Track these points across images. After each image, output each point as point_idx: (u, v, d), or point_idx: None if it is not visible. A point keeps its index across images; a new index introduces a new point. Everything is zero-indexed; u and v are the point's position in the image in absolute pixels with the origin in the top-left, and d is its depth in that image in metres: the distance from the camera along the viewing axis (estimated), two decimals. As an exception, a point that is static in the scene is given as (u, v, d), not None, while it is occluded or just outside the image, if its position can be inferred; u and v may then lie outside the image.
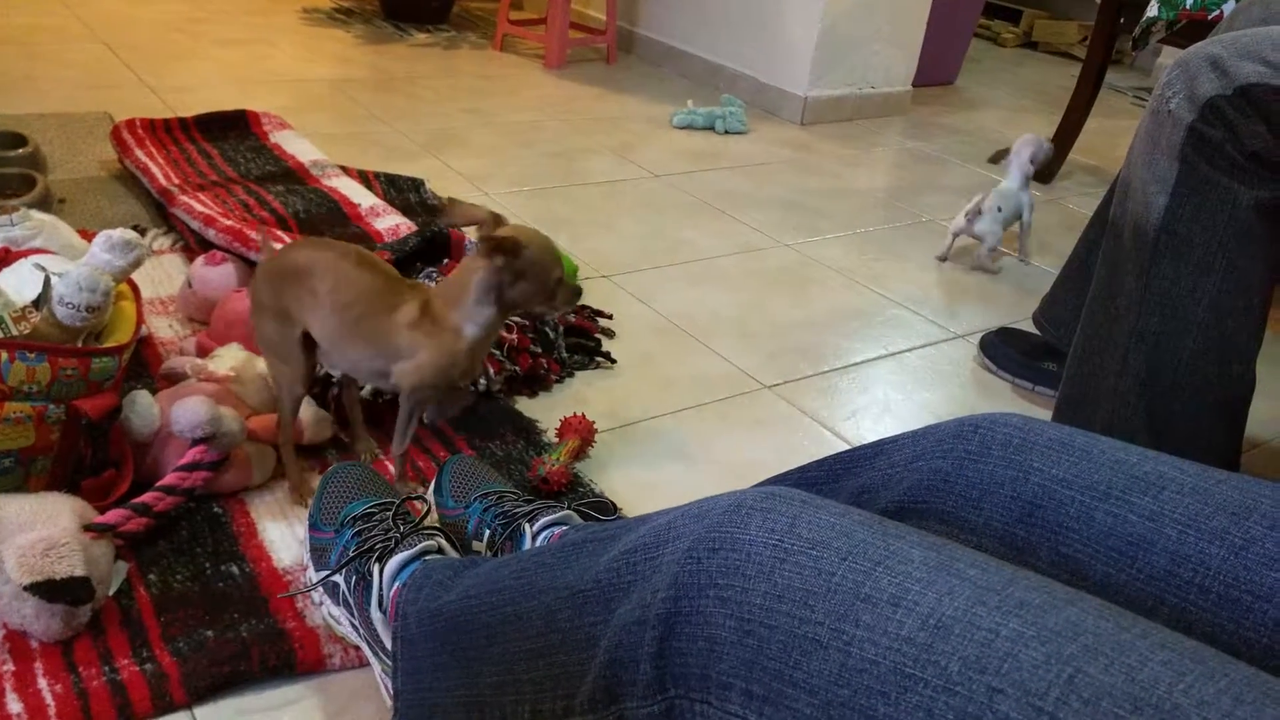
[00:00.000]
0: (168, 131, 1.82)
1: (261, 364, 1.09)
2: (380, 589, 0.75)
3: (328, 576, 0.81)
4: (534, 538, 0.83)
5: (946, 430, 0.59)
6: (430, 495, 0.97)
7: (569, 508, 0.88)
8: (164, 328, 1.28)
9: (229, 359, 1.09)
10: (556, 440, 1.13)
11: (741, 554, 0.45)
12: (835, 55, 2.60)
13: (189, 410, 0.92)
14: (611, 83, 2.79)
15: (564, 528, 0.84)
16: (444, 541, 0.80)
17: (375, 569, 0.76)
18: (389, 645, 0.73)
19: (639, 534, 0.53)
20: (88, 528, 0.84)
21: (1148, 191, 1.01)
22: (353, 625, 0.79)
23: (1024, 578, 0.41)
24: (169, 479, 0.91)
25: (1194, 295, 1.01)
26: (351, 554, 0.79)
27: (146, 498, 0.89)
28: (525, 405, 1.23)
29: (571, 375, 1.32)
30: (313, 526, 0.87)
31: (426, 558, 0.76)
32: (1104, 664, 0.36)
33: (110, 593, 0.84)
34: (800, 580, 0.43)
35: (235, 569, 0.89)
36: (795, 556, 0.44)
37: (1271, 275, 1.02)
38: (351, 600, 0.78)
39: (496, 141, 2.20)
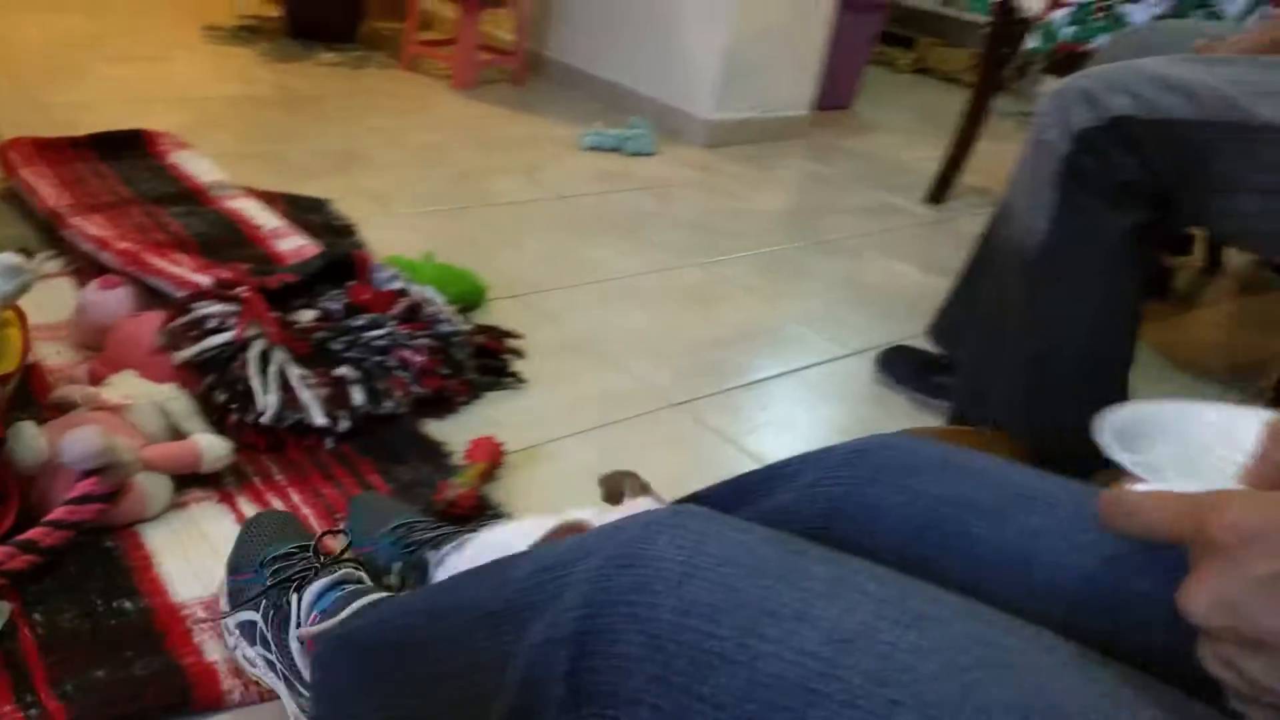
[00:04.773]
0: (58, 151, 1.76)
1: (157, 391, 1.07)
2: (298, 617, 0.74)
3: (242, 605, 0.80)
4: (436, 565, 0.83)
5: (839, 456, 0.60)
6: (345, 531, 0.97)
7: (473, 531, 0.88)
8: (53, 355, 1.23)
9: (123, 386, 1.06)
10: (465, 463, 1.13)
11: (650, 570, 0.45)
12: (738, 79, 2.66)
13: (80, 440, 0.89)
14: (520, 104, 2.80)
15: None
16: (363, 573, 0.79)
17: (293, 598, 0.75)
18: (307, 676, 0.72)
19: (551, 552, 0.53)
20: (-32, 566, 0.80)
21: (1029, 217, 1.07)
22: (268, 663, 0.78)
23: (921, 590, 0.43)
24: (58, 513, 0.88)
25: (1073, 316, 1.07)
26: (267, 585, 0.78)
27: (33, 533, 0.86)
28: (433, 427, 1.22)
29: (480, 396, 1.32)
30: (233, 571, 0.86)
31: (344, 586, 0.76)
32: (996, 674, 0.38)
33: (-7, 633, 0.80)
34: (707, 595, 0.43)
35: (128, 604, 0.86)
36: (703, 573, 0.44)
37: (1142, 295, 1.08)
38: (269, 634, 0.77)
39: (404, 161, 2.18)
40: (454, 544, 0.85)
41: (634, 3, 2.77)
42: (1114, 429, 0.51)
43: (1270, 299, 2.21)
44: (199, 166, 1.82)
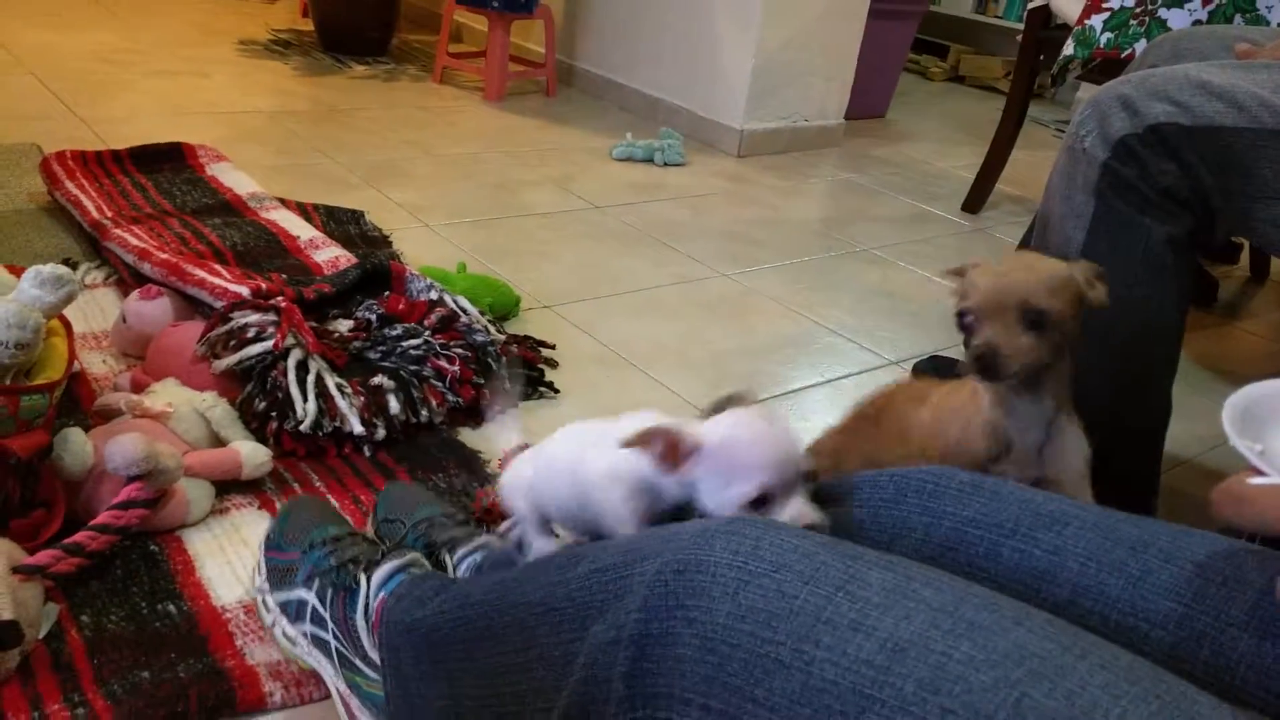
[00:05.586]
0: (100, 164, 1.79)
1: (198, 399, 1.08)
2: (367, 597, 0.76)
3: (291, 585, 0.81)
4: (455, 568, 0.85)
5: (865, 479, 0.62)
6: (370, 523, 0.98)
7: (488, 532, 0.90)
8: (97, 363, 1.25)
9: (165, 394, 1.08)
10: (501, 471, 1.14)
11: (707, 575, 0.47)
12: (770, 89, 2.67)
13: (124, 447, 0.90)
14: (551, 115, 2.81)
15: (486, 552, 0.86)
16: (425, 559, 0.81)
17: (363, 577, 0.77)
18: (370, 654, 0.74)
19: (608, 551, 0.55)
20: (16, 570, 0.82)
21: (1066, 226, 1.05)
22: (316, 640, 0.79)
23: (975, 596, 0.43)
24: (103, 517, 0.89)
25: (1113, 327, 1.05)
26: (332, 567, 0.79)
27: (79, 537, 0.87)
28: (468, 436, 1.23)
29: (515, 406, 1.32)
30: (274, 548, 0.87)
31: (410, 569, 0.77)
32: (1048, 688, 0.38)
33: (40, 636, 0.82)
34: (763, 602, 0.44)
35: (172, 608, 0.87)
36: (759, 579, 0.45)
37: (1184, 305, 1.06)
38: (328, 613, 0.78)
39: (437, 173, 2.20)
40: (469, 547, 0.87)
41: (664, 13, 2.78)
42: (1238, 411, 0.48)
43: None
44: (236, 179, 1.85)
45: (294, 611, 0.81)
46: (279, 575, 0.85)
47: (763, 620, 0.44)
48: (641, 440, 0.64)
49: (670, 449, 0.63)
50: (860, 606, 0.43)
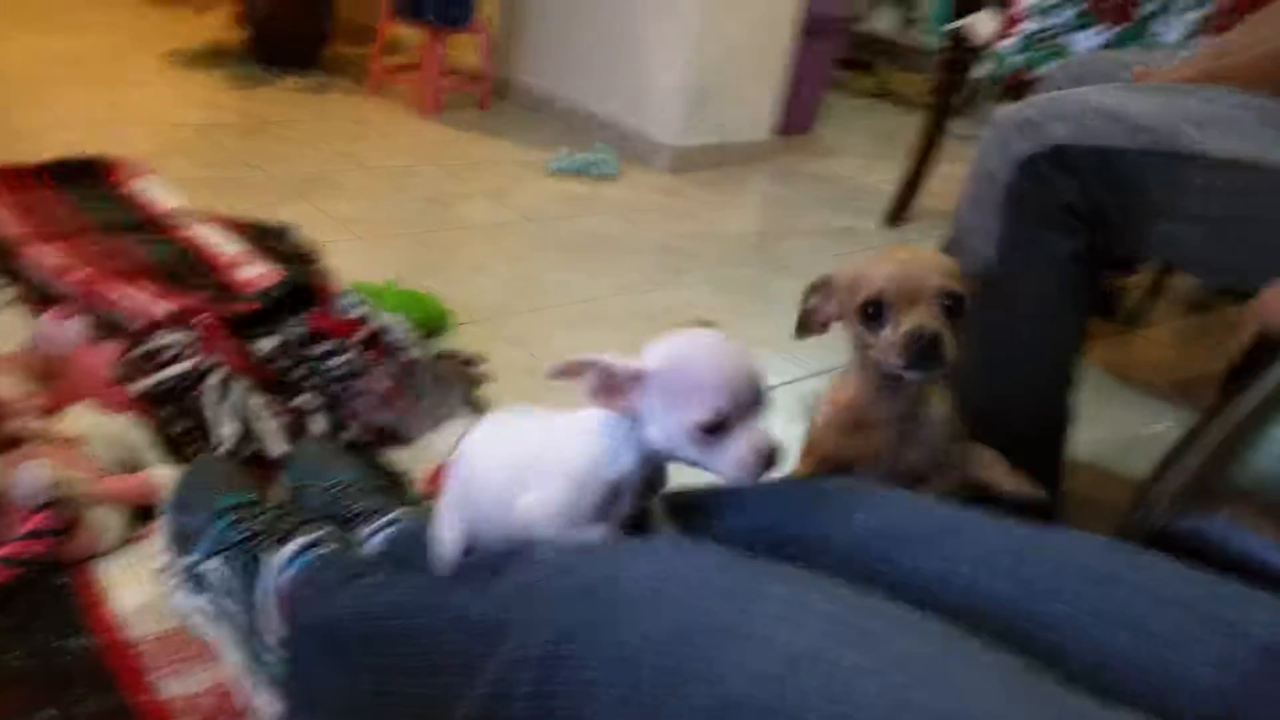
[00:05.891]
0: (17, 178, 1.74)
1: (113, 423, 1.06)
2: (272, 575, 0.75)
3: (200, 554, 0.80)
4: (365, 542, 0.84)
5: (775, 487, 0.63)
6: (281, 487, 0.98)
7: (403, 503, 0.89)
8: (5, 387, 1.22)
9: (78, 418, 1.06)
10: (426, 490, 1.13)
11: (621, 594, 0.47)
12: (702, 105, 2.70)
13: (31, 474, 0.88)
14: (486, 128, 2.81)
15: (399, 525, 0.85)
16: (337, 536, 0.80)
17: (268, 554, 0.76)
18: (272, 632, 0.73)
19: (524, 570, 0.55)
20: (-84, 604, 0.80)
21: (975, 243, 1.09)
22: (219, 613, 0.77)
23: (872, 607, 0.45)
24: (7, 549, 0.87)
25: (1019, 340, 1.09)
26: (237, 539, 0.78)
27: (-17, 569, 0.85)
28: (394, 456, 1.22)
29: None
30: (179, 509, 0.85)
31: (319, 547, 0.76)
32: (930, 691, 0.40)
33: (-59, 672, 0.79)
34: (675, 619, 0.45)
35: (80, 642, 0.85)
36: (668, 598, 0.46)
37: (1085, 318, 1.11)
38: (231, 586, 0.77)
39: (370, 186, 2.18)
40: (381, 521, 0.85)
41: (599, 29, 2.80)
42: None
43: (1214, 318, 2.26)
44: (158, 194, 1.81)
45: (195, 581, 0.80)
46: (183, 540, 0.83)
47: (673, 639, 0.45)
48: (571, 371, 0.57)
49: (604, 384, 0.56)
50: (762, 620, 0.44)
